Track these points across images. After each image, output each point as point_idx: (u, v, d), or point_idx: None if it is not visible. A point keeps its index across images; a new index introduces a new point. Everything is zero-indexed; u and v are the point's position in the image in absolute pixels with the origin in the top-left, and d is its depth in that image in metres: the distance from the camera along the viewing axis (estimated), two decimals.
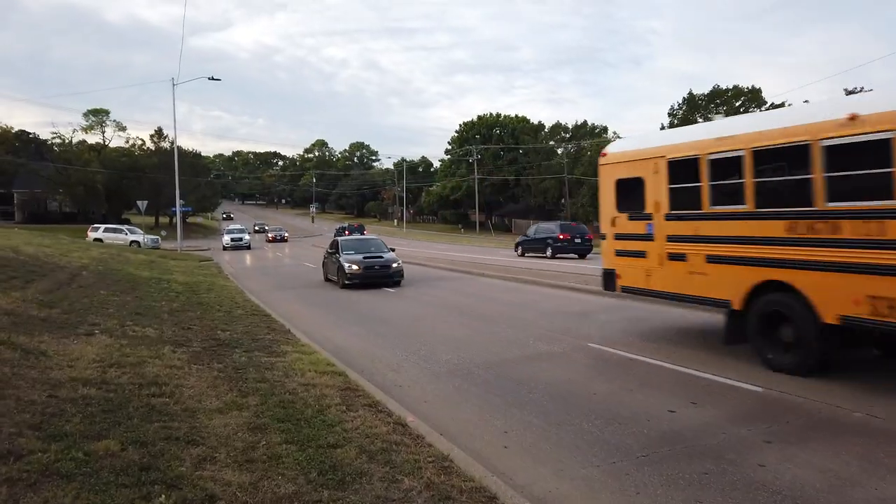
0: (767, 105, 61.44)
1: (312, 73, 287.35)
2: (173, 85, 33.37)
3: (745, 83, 64.23)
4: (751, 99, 62.27)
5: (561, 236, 29.73)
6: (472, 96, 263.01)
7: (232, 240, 46.26)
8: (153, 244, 41.87)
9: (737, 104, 62.62)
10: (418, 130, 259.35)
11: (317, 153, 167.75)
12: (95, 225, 44.97)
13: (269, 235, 61.11)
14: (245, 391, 6.02)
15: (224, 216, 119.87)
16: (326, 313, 13.91)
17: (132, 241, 41.63)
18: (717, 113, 63.38)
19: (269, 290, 18.78)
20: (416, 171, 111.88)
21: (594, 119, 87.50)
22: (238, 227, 53.10)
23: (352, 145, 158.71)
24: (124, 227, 44.52)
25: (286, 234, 61.39)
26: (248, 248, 45.46)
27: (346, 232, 52.23)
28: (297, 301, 16.21)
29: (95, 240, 41.39)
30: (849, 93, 48.41)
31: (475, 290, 17.70)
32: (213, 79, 33.44)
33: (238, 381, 6.43)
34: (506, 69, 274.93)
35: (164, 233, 51.80)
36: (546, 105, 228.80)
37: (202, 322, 10.58)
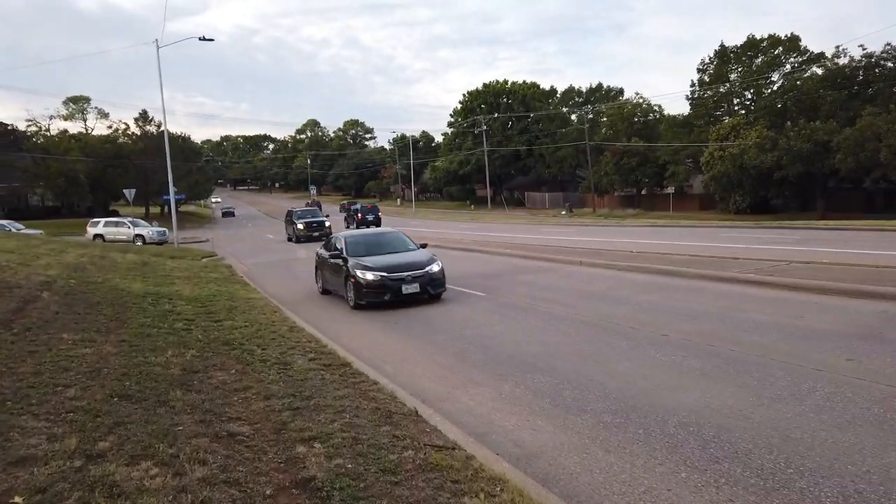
0: (807, 55, 55.96)
1: (292, 54, 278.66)
2: (157, 48, 27.81)
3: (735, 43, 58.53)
4: (789, 48, 56.56)
5: None
6: (455, 71, 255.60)
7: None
8: (160, 237, 36.69)
9: (774, 54, 56.86)
10: (403, 108, 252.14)
11: (309, 133, 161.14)
12: (95, 219, 39.49)
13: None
14: None
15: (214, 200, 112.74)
16: (431, 350, 8.86)
17: (136, 236, 36.45)
18: (752, 66, 57.83)
19: (311, 302, 13.74)
20: (416, 147, 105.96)
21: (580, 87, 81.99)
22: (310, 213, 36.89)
23: (346, 123, 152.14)
24: (126, 220, 39.09)
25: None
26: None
27: (359, 215, 46.85)
28: (368, 321, 11.16)
29: (96, 236, 36.20)
30: None
31: (598, 288, 12.66)
32: (204, 38, 27.93)
33: None
34: (489, 41, 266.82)
35: (155, 223, 46.37)
36: (531, 76, 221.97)
37: (250, 405, 5.51)
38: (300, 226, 33.46)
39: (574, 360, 7.47)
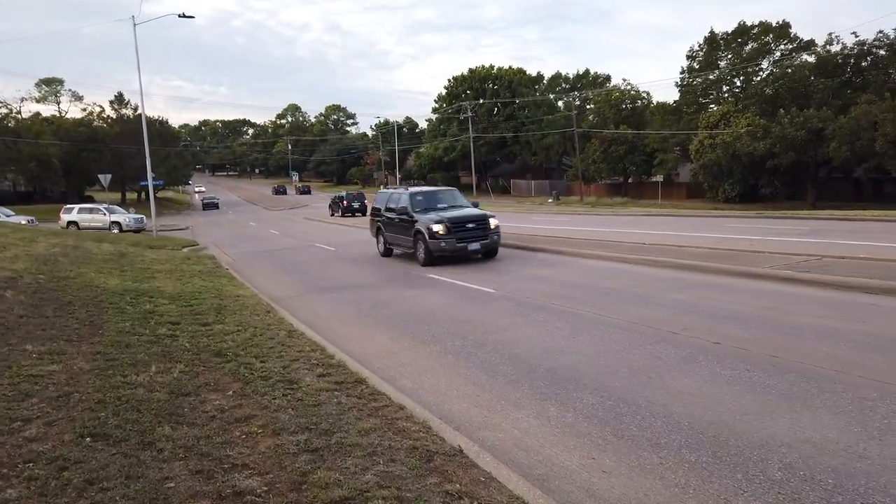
0: (797, 43, 55.38)
1: (272, 38, 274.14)
2: (134, 25, 26.24)
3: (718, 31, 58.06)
4: (780, 35, 55.97)
5: None
6: (438, 57, 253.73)
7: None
8: (137, 225, 35.30)
9: (765, 39, 56.19)
10: (386, 94, 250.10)
11: (289, 118, 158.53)
12: (69, 206, 37.88)
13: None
14: None
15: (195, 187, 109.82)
16: (452, 359, 7.85)
17: (113, 223, 34.98)
18: (742, 53, 57.19)
19: (303, 298, 12.66)
20: (400, 133, 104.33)
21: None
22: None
23: (327, 108, 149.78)
24: (102, 206, 37.57)
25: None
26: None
27: (345, 202, 45.71)
28: (371, 322, 10.10)
29: (69, 223, 34.67)
30: None
31: (618, 285, 11.73)
32: (183, 16, 26.39)
33: None
34: (471, 27, 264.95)
35: (132, 210, 44.63)
36: (513, 63, 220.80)
37: (257, 444, 4.46)
38: (436, 228, 15.39)
39: (622, 375, 6.52)
